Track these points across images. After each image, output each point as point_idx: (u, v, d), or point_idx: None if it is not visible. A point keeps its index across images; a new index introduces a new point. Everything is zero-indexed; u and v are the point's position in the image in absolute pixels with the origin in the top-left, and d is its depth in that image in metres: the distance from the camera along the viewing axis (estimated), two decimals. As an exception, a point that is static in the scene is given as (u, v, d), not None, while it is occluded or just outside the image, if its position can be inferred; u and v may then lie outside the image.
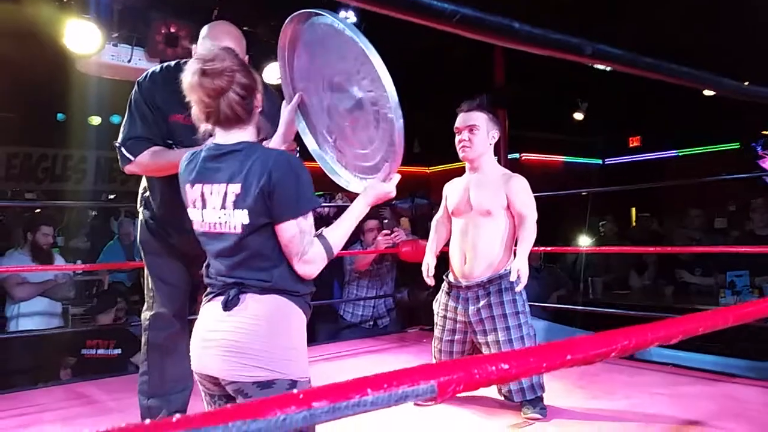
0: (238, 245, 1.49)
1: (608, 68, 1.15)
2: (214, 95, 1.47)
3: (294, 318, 1.53)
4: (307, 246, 1.49)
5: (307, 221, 1.50)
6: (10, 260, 4.39)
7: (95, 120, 7.62)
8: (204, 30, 2.13)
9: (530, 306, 2.79)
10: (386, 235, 4.45)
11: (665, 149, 9.16)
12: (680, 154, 9.12)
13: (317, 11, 1.59)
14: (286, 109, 1.80)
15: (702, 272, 5.74)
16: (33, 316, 4.40)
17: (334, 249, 1.55)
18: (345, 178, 1.84)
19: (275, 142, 1.80)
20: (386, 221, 4.52)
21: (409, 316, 5.04)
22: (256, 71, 1.62)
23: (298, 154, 2.10)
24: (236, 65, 1.49)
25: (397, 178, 1.64)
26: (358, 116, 1.67)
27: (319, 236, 1.53)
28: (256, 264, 1.50)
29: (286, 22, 1.69)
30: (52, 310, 4.55)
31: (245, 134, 1.54)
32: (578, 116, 8.21)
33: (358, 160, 1.77)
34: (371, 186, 1.65)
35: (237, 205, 1.47)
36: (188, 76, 1.48)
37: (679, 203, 7.56)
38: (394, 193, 1.65)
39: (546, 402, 2.69)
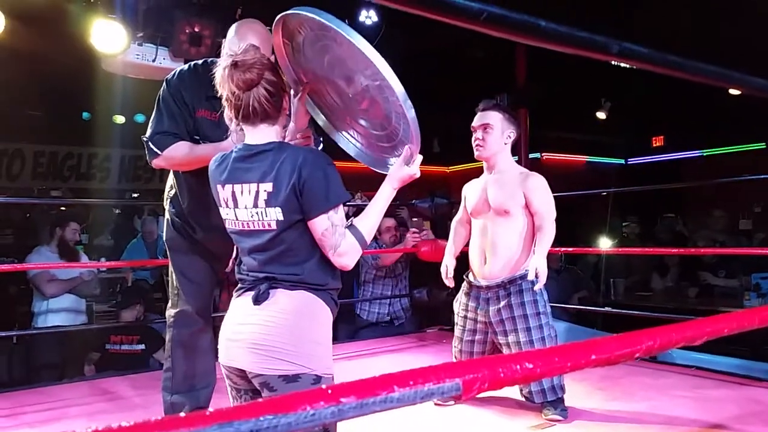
0: (273, 241, 1.53)
1: (632, 66, 1.14)
2: (244, 87, 1.51)
3: (321, 314, 1.55)
4: (339, 239, 1.52)
5: (338, 215, 1.53)
6: (39, 257, 4.47)
7: (120, 119, 7.71)
8: (232, 28, 2.17)
9: (551, 307, 2.78)
10: (415, 233, 4.44)
11: (689, 149, 9.03)
12: (704, 154, 8.99)
13: (299, 11, 1.59)
14: (294, 100, 1.81)
15: (726, 274, 5.66)
16: (60, 313, 4.48)
17: (366, 238, 1.57)
18: (373, 159, 1.85)
19: (289, 133, 1.81)
20: (415, 219, 4.53)
21: (429, 315, 5.05)
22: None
23: (321, 146, 2.12)
24: (266, 62, 1.55)
25: (419, 159, 1.63)
26: (369, 100, 1.67)
27: (350, 227, 1.56)
28: (289, 259, 1.54)
29: (275, 23, 1.71)
30: (77, 306, 4.62)
31: (272, 133, 1.57)
32: (601, 116, 8.13)
33: (380, 141, 1.77)
34: (395, 170, 1.64)
35: (269, 203, 1.50)
36: (220, 70, 1.54)
37: (703, 204, 7.46)
38: (418, 174, 1.64)
39: (566, 404, 2.68)
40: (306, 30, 1.65)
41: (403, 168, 1.62)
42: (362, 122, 1.78)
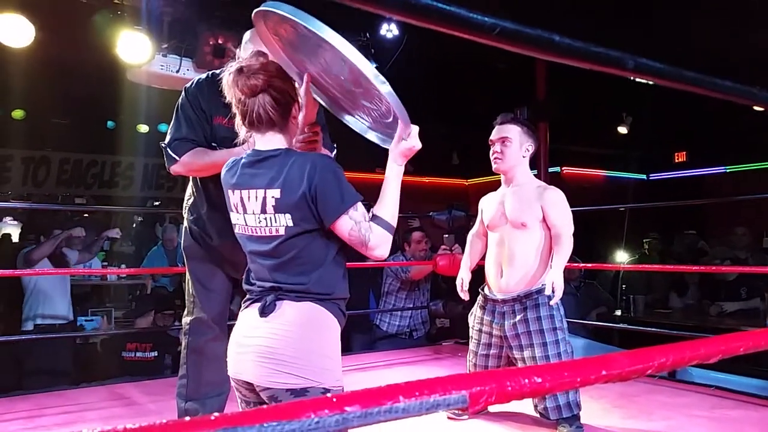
0: (279, 248, 1.52)
1: (650, 82, 1.13)
2: (248, 93, 1.51)
3: (329, 326, 1.54)
4: (367, 233, 1.50)
5: (359, 212, 1.51)
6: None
7: (143, 128, 7.85)
8: (247, 35, 2.20)
9: (569, 323, 2.75)
10: (446, 249, 4.42)
11: (712, 165, 8.91)
12: (728, 170, 8.86)
13: (265, 8, 1.55)
14: (300, 91, 1.81)
15: (748, 293, 5.56)
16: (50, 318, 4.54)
17: (391, 222, 1.55)
18: (380, 136, 1.83)
19: (299, 124, 1.81)
20: (446, 236, 4.52)
21: (444, 328, 5.02)
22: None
23: (335, 152, 2.12)
24: (274, 69, 1.54)
25: (415, 130, 1.57)
26: (357, 82, 1.66)
27: (373, 218, 1.54)
28: (295, 267, 1.52)
29: (254, 20, 1.68)
30: (66, 314, 4.65)
31: (281, 140, 1.57)
32: (622, 130, 8.07)
33: (384, 119, 1.75)
34: (393, 146, 1.60)
35: (278, 209, 1.50)
36: (226, 75, 1.54)
37: (726, 221, 7.34)
38: (419, 145, 1.57)
39: (583, 421, 2.64)
40: (283, 25, 1.65)
41: (401, 143, 1.57)
42: (364, 102, 1.76)
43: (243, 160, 1.59)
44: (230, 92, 1.53)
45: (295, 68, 1.81)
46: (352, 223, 1.49)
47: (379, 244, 1.52)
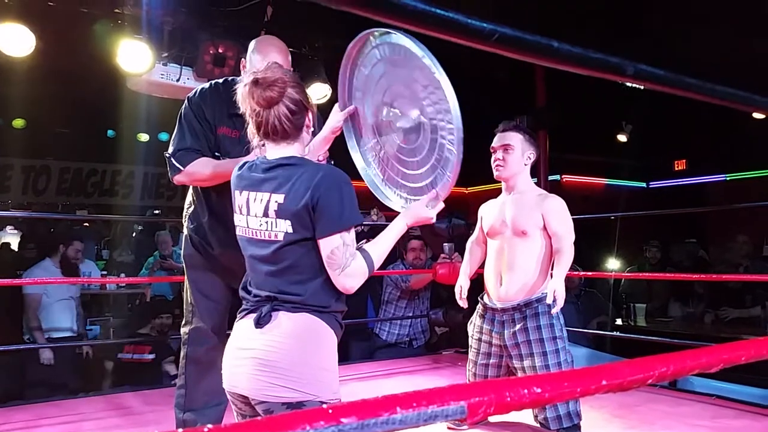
0: (277, 253, 1.51)
1: (648, 88, 1.13)
2: (264, 105, 1.50)
3: (326, 338, 1.51)
4: (350, 259, 1.49)
5: (350, 235, 1.51)
6: (45, 271, 4.48)
7: (144, 137, 7.86)
8: (252, 44, 2.20)
9: (569, 332, 2.73)
10: (445, 258, 4.40)
11: (712, 173, 8.92)
12: (728, 178, 8.86)
13: (394, 31, 1.62)
14: (336, 115, 1.83)
15: (750, 301, 5.55)
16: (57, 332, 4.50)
17: (375, 264, 1.55)
18: (387, 195, 1.85)
19: (314, 143, 1.83)
20: (446, 245, 4.50)
21: (444, 337, 5.00)
22: None
23: (332, 162, 2.13)
24: (289, 79, 1.53)
25: (441, 206, 1.65)
26: (413, 137, 1.68)
27: (361, 250, 1.54)
28: (293, 276, 1.51)
29: (361, 34, 1.72)
30: (71, 326, 4.61)
31: (293, 150, 1.57)
32: (622, 138, 8.08)
33: (403, 180, 1.78)
34: (414, 208, 1.66)
35: (279, 214, 1.49)
36: (241, 87, 1.53)
37: (727, 229, 7.33)
38: (434, 220, 1.66)
39: (583, 431, 2.62)
40: (385, 49, 1.68)
41: (423, 209, 1.65)
42: (395, 156, 1.78)
43: (255, 164, 1.59)
44: (245, 103, 1.52)
45: (344, 97, 1.83)
46: (340, 243, 1.48)
47: (355, 275, 1.50)
